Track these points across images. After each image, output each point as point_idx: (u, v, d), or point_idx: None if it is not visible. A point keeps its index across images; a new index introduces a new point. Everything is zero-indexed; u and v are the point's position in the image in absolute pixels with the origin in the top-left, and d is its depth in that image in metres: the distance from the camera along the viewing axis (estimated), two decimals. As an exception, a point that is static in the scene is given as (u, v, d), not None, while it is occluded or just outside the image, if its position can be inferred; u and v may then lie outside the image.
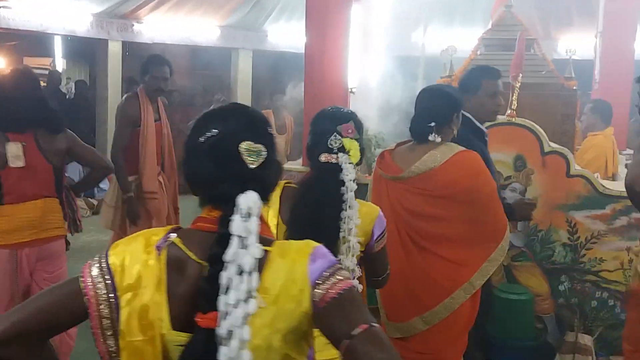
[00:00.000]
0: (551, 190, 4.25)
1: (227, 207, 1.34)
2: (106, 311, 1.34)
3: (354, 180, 2.30)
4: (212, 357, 1.27)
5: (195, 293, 1.33)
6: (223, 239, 1.32)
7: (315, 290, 1.35)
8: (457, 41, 5.31)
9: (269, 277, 1.35)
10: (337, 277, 1.37)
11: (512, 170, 4.27)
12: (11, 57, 13.04)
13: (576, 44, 7.08)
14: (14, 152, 3.39)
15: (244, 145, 1.40)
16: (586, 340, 4.13)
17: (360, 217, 2.27)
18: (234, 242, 1.30)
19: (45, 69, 13.01)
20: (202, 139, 1.42)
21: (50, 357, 1.46)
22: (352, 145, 2.33)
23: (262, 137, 1.44)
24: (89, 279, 1.36)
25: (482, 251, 2.97)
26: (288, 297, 1.35)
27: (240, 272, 1.28)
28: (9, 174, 3.36)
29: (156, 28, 10.41)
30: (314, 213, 2.25)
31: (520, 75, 4.06)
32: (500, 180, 4.11)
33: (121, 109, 4.62)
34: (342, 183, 2.28)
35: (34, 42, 12.48)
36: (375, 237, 2.41)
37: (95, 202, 8.47)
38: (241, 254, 1.29)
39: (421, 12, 5.91)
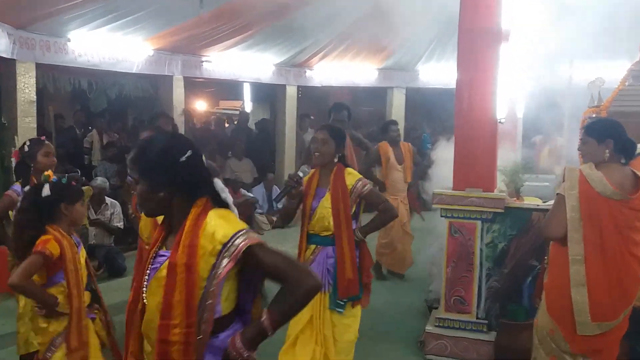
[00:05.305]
0: None
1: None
2: None
3: None
4: None
5: None
6: None
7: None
8: (602, 73, 4.85)
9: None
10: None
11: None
12: (210, 100, 14.00)
13: None
14: None
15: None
16: None
17: None
18: None
19: (237, 109, 13.78)
20: (183, 159, 1.83)
21: None
22: None
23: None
24: None
25: None
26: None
27: None
28: None
29: (324, 73, 10.64)
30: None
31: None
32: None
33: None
34: None
35: (227, 88, 13.25)
36: None
37: (274, 218, 8.74)
38: None
39: (566, 48, 5.49)
